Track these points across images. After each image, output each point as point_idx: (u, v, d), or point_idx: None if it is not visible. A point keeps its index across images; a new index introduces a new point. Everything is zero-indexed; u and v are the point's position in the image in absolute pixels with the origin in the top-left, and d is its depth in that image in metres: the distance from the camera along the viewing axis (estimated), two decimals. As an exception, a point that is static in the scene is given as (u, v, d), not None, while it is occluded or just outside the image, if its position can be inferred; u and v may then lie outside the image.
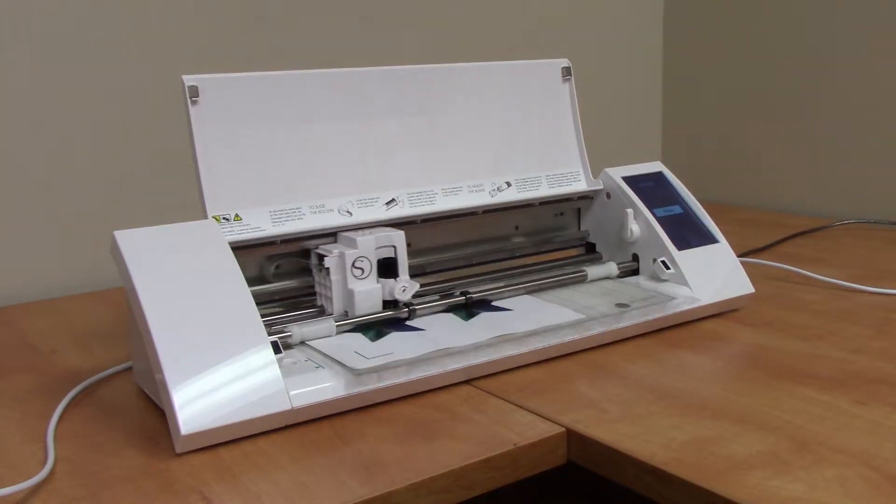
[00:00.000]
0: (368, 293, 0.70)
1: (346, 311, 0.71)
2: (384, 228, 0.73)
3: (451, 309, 0.75)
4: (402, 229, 0.74)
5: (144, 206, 1.04)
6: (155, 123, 1.04)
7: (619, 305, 0.75)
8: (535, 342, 0.68)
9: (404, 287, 0.71)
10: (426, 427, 0.59)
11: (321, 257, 0.71)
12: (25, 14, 0.95)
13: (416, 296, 0.75)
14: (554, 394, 0.63)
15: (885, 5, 1.19)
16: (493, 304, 0.76)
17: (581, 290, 0.80)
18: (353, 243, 0.70)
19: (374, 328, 0.70)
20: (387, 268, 0.71)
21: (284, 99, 0.71)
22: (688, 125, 1.48)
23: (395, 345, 0.67)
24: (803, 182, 1.32)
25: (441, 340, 0.68)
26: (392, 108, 0.76)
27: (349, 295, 0.70)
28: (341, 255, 0.70)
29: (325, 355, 0.65)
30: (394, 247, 0.72)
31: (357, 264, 0.70)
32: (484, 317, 0.73)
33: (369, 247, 0.70)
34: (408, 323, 0.71)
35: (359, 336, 0.69)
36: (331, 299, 0.71)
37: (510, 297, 0.77)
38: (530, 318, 0.72)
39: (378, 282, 0.71)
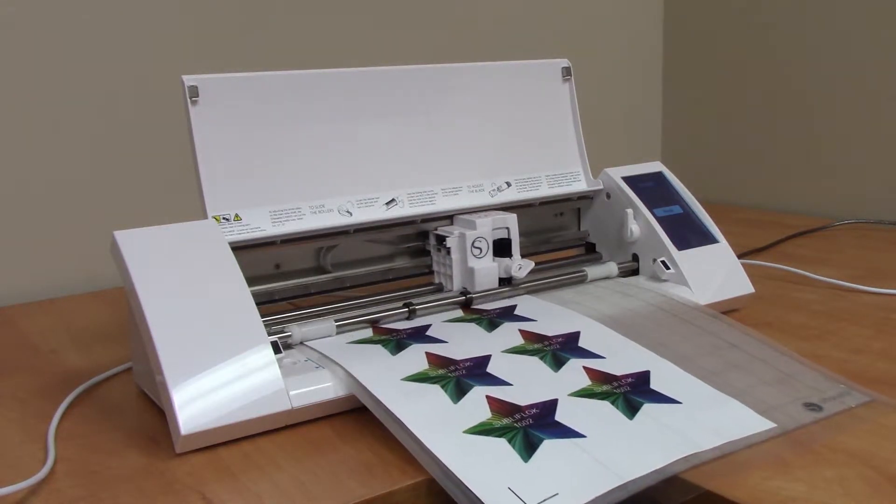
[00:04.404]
0: (487, 270, 0.75)
1: (464, 288, 0.76)
2: (498, 212, 0.78)
3: (608, 397, 0.58)
4: (401, 228, 0.76)
5: (144, 206, 1.04)
6: (155, 123, 1.04)
7: (809, 406, 0.59)
8: (728, 472, 0.52)
9: (520, 265, 0.75)
10: (426, 427, 0.58)
11: (441, 238, 0.76)
12: (25, 14, 0.95)
13: (418, 298, 0.75)
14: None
15: (885, 6, 1.19)
16: (653, 388, 0.60)
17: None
18: (472, 225, 0.75)
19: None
20: (501, 247, 0.76)
21: (284, 99, 0.71)
22: (688, 125, 1.48)
23: (553, 467, 0.51)
24: (803, 182, 1.32)
25: (610, 458, 0.52)
26: (392, 108, 0.76)
27: (469, 272, 0.75)
28: (462, 236, 0.75)
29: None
30: (507, 228, 0.77)
31: (476, 244, 0.75)
32: (649, 412, 0.57)
33: (487, 228, 0.76)
34: (557, 419, 0.56)
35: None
36: (450, 277, 0.76)
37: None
38: (701, 413, 0.57)
39: (494, 260, 0.76)
